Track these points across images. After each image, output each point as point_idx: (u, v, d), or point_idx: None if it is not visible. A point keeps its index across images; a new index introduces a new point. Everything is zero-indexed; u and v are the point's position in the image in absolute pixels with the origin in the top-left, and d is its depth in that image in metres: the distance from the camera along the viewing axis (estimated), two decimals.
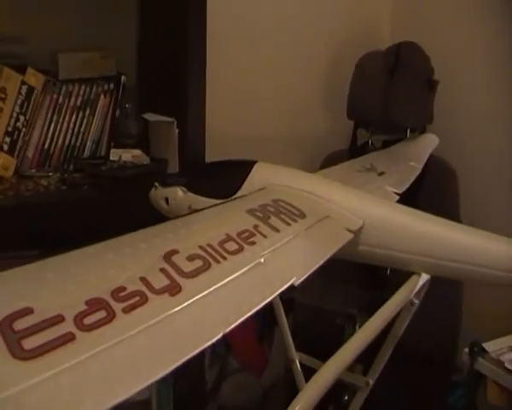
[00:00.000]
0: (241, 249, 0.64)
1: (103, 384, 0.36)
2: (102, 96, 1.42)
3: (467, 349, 1.22)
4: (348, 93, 1.88)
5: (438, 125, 1.85)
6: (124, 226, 0.99)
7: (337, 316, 1.43)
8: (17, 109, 1.31)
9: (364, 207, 0.94)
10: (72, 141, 1.40)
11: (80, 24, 1.41)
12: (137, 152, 1.39)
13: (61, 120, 1.38)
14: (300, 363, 1.23)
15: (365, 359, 1.17)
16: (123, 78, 1.44)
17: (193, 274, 0.54)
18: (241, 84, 1.83)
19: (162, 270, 0.53)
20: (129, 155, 1.40)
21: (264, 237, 0.71)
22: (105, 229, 0.87)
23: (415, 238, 0.90)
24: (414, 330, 1.31)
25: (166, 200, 1.07)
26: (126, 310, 0.44)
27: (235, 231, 0.69)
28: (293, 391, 1.31)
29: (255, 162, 1.03)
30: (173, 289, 0.50)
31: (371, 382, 1.13)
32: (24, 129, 1.32)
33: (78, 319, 0.41)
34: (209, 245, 0.62)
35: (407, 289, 0.90)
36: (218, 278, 0.55)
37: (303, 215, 0.85)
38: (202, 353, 1.50)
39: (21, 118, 1.31)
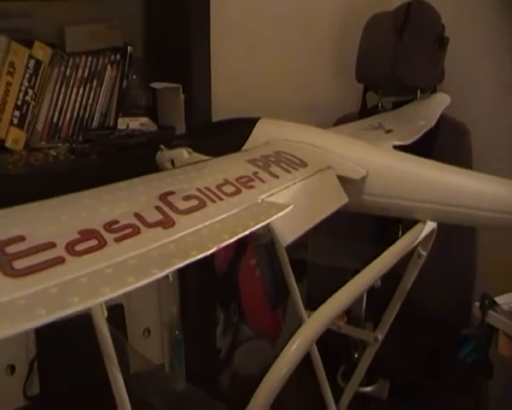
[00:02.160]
0: (238, 192, 0.65)
1: (89, 287, 0.37)
2: (109, 68, 1.43)
3: (478, 303, 1.22)
4: (357, 55, 1.86)
5: (449, 84, 1.82)
6: None
7: (345, 272, 1.43)
8: (25, 83, 1.32)
9: (368, 157, 0.94)
10: (81, 113, 1.42)
11: None
12: (145, 120, 1.41)
13: (69, 92, 1.40)
14: None
15: (375, 316, 1.18)
16: (129, 48, 1.45)
17: (187, 211, 0.55)
18: (246, 49, 1.82)
19: (157, 207, 0.54)
20: (136, 123, 1.41)
21: (263, 182, 0.72)
22: None
23: (419, 185, 0.90)
24: (427, 288, 1.32)
25: (172, 162, 1.08)
26: (118, 240, 0.46)
27: (234, 176, 0.70)
28: (306, 359, 1.33)
29: (258, 119, 1.04)
30: (166, 223, 0.51)
31: (380, 337, 1.13)
32: (33, 102, 1.34)
33: (70, 246, 0.42)
34: (206, 188, 0.63)
35: (411, 235, 0.90)
36: (213, 215, 0.56)
37: (304, 164, 0.85)
38: (215, 321, 1.52)
39: (30, 91, 1.33)
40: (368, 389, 1.48)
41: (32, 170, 1.20)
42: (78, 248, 0.42)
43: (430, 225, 0.92)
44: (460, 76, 1.86)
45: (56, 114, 1.39)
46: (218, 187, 0.64)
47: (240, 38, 1.78)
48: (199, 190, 0.62)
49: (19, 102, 1.32)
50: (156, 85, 1.44)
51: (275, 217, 0.60)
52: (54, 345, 1.29)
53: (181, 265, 0.45)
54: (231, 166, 0.76)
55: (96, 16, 1.43)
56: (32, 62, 1.32)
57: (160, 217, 0.52)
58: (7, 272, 0.37)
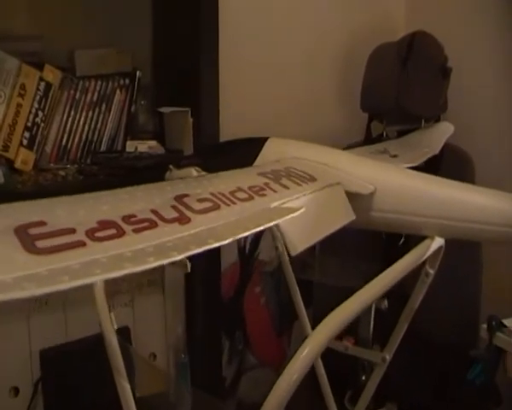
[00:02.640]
0: (251, 198, 0.66)
1: (111, 264, 0.37)
2: (118, 92, 1.45)
3: (485, 325, 1.21)
4: (361, 85, 1.88)
5: (453, 113, 1.84)
6: None
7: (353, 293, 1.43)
8: (36, 105, 1.34)
9: (376, 174, 0.95)
10: (90, 136, 1.43)
11: (96, 21, 1.45)
12: (153, 143, 1.42)
13: (78, 115, 1.41)
14: None
15: (382, 338, 1.18)
16: (138, 73, 1.47)
17: (202, 211, 0.56)
18: (253, 79, 1.84)
19: (173, 206, 0.55)
20: (145, 146, 1.43)
21: (275, 192, 0.72)
22: None
23: (427, 201, 0.91)
24: (433, 310, 1.31)
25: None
26: (136, 231, 0.46)
27: (246, 185, 0.70)
28: (312, 386, 1.32)
29: (267, 138, 1.05)
30: (182, 220, 0.52)
31: (388, 357, 1.13)
32: (42, 124, 1.36)
33: (90, 232, 0.43)
34: (220, 193, 0.64)
35: (419, 251, 0.90)
36: (227, 216, 0.57)
37: (313, 179, 0.86)
38: (220, 348, 1.51)
39: (40, 113, 1.35)
40: None
41: (40, 188, 1.21)
42: (98, 234, 0.43)
43: (438, 242, 0.92)
44: (463, 106, 1.88)
45: (65, 136, 1.40)
46: (231, 193, 0.65)
47: (247, 65, 1.81)
48: (212, 194, 0.62)
49: (29, 124, 1.34)
50: (164, 110, 1.46)
51: (288, 217, 0.60)
52: (58, 367, 1.28)
53: (198, 250, 0.46)
54: (243, 177, 0.77)
55: (106, 41, 1.45)
56: (42, 85, 1.34)
57: (176, 214, 0.53)
58: (30, 249, 0.37)
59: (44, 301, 1.32)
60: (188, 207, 0.55)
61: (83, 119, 1.42)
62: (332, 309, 0.77)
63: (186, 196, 0.59)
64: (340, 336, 1.26)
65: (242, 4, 1.76)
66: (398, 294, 1.14)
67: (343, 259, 1.46)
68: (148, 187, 0.62)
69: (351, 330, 1.42)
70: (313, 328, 1.21)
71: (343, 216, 0.87)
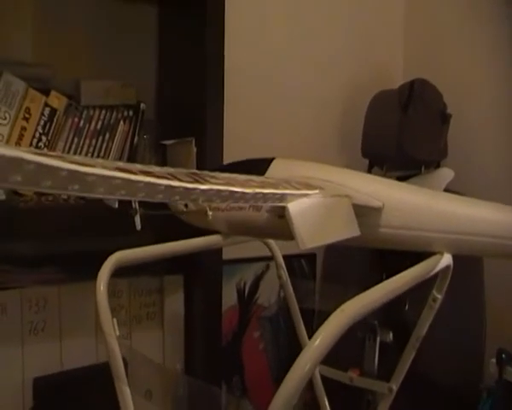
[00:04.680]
0: (263, 186, 0.65)
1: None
2: (122, 123, 1.46)
3: (494, 359, 1.18)
4: (362, 131, 1.91)
5: (453, 159, 1.86)
6: (144, 238, 1.00)
7: (357, 327, 1.41)
8: (40, 130, 1.34)
9: (384, 190, 0.94)
10: None
11: (103, 53, 1.47)
12: (166, 167, 1.41)
13: (81, 143, 1.42)
14: (321, 375, 1.20)
15: (387, 372, 1.15)
16: (142, 105, 1.48)
17: (216, 183, 0.55)
18: (256, 129, 1.86)
19: (187, 174, 0.54)
20: None
21: (285, 188, 0.72)
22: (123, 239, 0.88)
23: (436, 216, 0.89)
24: (436, 346, 1.28)
25: (186, 204, 1.08)
26: (149, 176, 0.45)
27: (257, 180, 0.70)
28: None
29: (273, 158, 1.05)
30: (198, 181, 0.50)
31: (395, 388, 1.09)
32: (46, 149, 1.36)
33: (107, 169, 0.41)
34: (232, 178, 0.63)
35: (427, 265, 0.88)
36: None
37: (322, 189, 0.85)
38: (218, 396, 1.46)
39: (43, 138, 1.35)
40: None
41: (42, 207, 1.20)
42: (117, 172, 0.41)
43: (446, 259, 0.91)
44: (463, 152, 1.90)
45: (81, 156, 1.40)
46: (243, 182, 0.64)
47: (251, 101, 1.84)
48: (224, 178, 0.61)
49: (32, 147, 1.34)
50: (167, 142, 1.46)
51: (299, 199, 0.59)
52: (51, 396, 1.24)
53: (204, 187, 0.44)
54: (251, 177, 0.76)
55: (112, 74, 1.47)
56: (47, 110, 1.35)
57: (191, 179, 0.51)
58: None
59: (41, 327, 1.29)
60: (202, 178, 0.54)
61: (86, 146, 1.42)
62: None
63: (199, 174, 0.58)
64: (344, 369, 1.22)
65: (248, 43, 1.80)
66: (403, 326, 1.12)
67: (344, 286, 1.43)
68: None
69: (355, 362, 1.38)
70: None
71: (349, 229, 0.85)
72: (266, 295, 1.94)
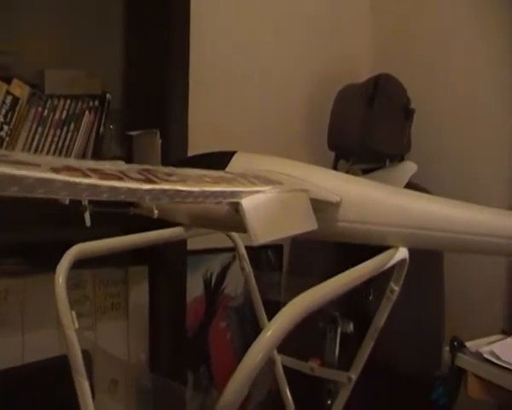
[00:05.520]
0: (217, 183, 0.66)
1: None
2: (87, 113, 1.46)
3: (447, 348, 1.22)
4: (328, 124, 1.92)
5: (416, 153, 1.89)
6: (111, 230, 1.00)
7: (319, 318, 1.44)
8: (1, 119, 1.33)
9: (342, 185, 0.96)
10: (56, 155, 1.42)
11: (68, 43, 1.46)
12: (121, 163, 1.41)
13: (45, 132, 1.40)
14: (283, 365, 1.22)
15: (348, 362, 1.17)
16: (108, 95, 1.48)
17: (169, 181, 0.56)
18: (221, 122, 1.87)
19: (139, 172, 0.54)
20: None
21: (241, 183, 0.73)
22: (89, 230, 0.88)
23: (391, 211, 0.92)
24: (395, 333, 1.31)
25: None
26: (102, 178, 0.46)
27: (213, 175, 0.71)
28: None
29: (235, 152, 1.06)
30: (148, 181, 0.51)
31: (354, 377, 1.12)
32: (8, 138, 1.34)
33: (53, 169, 0.42)
34: (186, 174, 0.64)
35: (382, 258, 0.90)
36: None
37: (280, 183, 0.87)
38: (184, 383, 1.47)
39: (5, 127, 1.34)
40: None
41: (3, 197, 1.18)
42: (63, 172, 0.42)
43: (402, 252, 0.93)
44: (426, 146, 1.94)
45: (32, 152, 1.39)
46: (198, 178, 0.65)
47: (217, 94, 1.84)
48: (178, 174, 0.62)
49: None
50: (133, 132, 1.46)
51: (252, 195, 0.61)
52: (13, 389, 1.23)
53: (157, 186, 0.45)
54: (209, 171, 0.77)
55: (77, 63, 1.46)
56: (9, 98, 1.33)
57: (142, 177, 0.52)
58: None
59: (3, 320, 1.28)
60: (154, 176, 0.55)
61: (50, 137, 1.41)
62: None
63: (154, 170, 0.59)
64: (306, 359, 1.25)
65: (213, 35, 1.80)
66: (363, 317, 1.15)
67: (310, 278, 1.45)
68: (115, 162, 0.61)
69: (317, 352, 1.41)
70: (279, 351, 1.21)
71: (306, 223, 0.87)
72: (233, 286, 1.95)
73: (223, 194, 0.58)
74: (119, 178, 0.48)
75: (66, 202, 0.48)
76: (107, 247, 0.94)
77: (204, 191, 0.54)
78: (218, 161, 1.04)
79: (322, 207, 0.92)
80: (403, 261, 0.96)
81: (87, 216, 0.63)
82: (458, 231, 0.87)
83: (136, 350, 1.49)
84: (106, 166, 0.54)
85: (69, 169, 0.44)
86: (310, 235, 0.88)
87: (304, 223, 0.87)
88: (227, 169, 1.02)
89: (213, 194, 0.56)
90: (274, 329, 0.62)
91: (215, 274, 1.92)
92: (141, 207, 0.90)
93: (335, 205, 0.93)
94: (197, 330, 1.87)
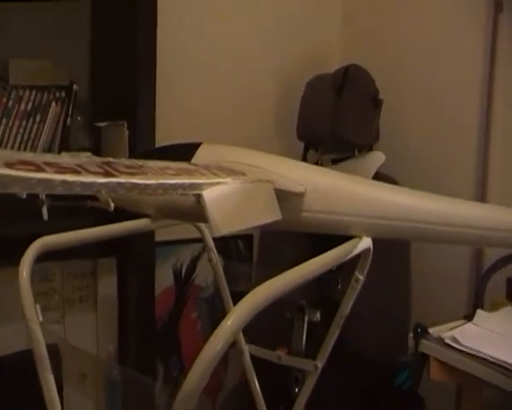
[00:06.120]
0: (178, 175, 0.66)
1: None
2: (54, 104, 1.44)
3: (411, 334, 1.25)
4: (298, 114, 1.93)
5: (384, 144, 1.91)
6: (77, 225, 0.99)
7: (286, 307, 1.45)
8: None
9: (306, 175, 0.97)
10: (22, 147, 1.41)
11: (33, 32, 1.44)
12: (88, 155, 1.40)
13: (10, 124, 1.39)
14: (250, 354, 1.23)
15: (315, 350, 1.19)
16: (75, 86, 1.46)
17: (128, 173, 0.56)
18: (189, 113, 1.86)
19: (99, 165, 0.54)
20: None
21: (203, 175, 0.73)
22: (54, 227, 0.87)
23: (356, 201, 0.93)
24: (362, 319, 1.34)
25: None
26: (58, 172, 0.46)
27: (176, 167, 0.71)
28: (245, 404, 1.31)
29: (201, 143, 1.06)
30: (107, 174, 0.52)
31: (320, 365, 1.13)
32: None
33: (8, 164, 0.42)
34: (148, 167, 0.64)
35: (346, 247, 0.91)
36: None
37: (244, 174, 0.87)
38: (154, 374, 1.46)
39: None
40: None
41: None
42: (17, 166, 0.42)
43: (365, 242, 0.95)
44: (394, 137, 1.96)
45: None
46: (160, 169, 0.65)
47: (185, 85, 1.83)
48: (140, 166, 0.63)
49: None
50: (100, 124, 1.45)
51: (213, 187, 0.61)
52: None
53: (118, 180, 0.45)
54: (173, 163, 0.77)
55: (43, 53, 1.44)
56: None
57: (101, 170, 0.52)
58: None
59: None
60: (114, 169, 0.55)
61: (15, 128, 1.39)
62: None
63: (112, 162, 0.59)
64: (273, 347, 1.26)
65: (180, 24, 1.79)
66: (331, 305, 1.16)
67: (280, 269, 1.46)
68: (76, 153, 0.61)
69: (284, 341, 1.42)
70: (248, 341, 1.22)
71: (269, 213, 0.88)
72: (203, 276, 1.95)
73: (182, 186, 0.58)
74: (76, 172, 0.48)
75: (24, 196, 0.48)
76: (73, 239, 0.93)
77: (162, 184, 0.54)
78: (183, 152, 1.04)
79: (286, 198, 0.93)
80: (367, 251, 0.97)
81: (44, 210, 0.63)
82: (421, 221, 0.89)
83: (105, 343, 1.48)
84: (65, 159, 0.54)
85: (24, 163, 0.44)
86: (274, 225, 0.89)
87: (267, 213, 0.88)
88: (192, 161, 1.02)
89: (172, 186, 0.57)
90: (234, 318, 0.63)
91: (185, 265, 1.92)
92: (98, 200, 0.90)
93: (300, 195, 0.94)
94: (167, 320, 1.87)
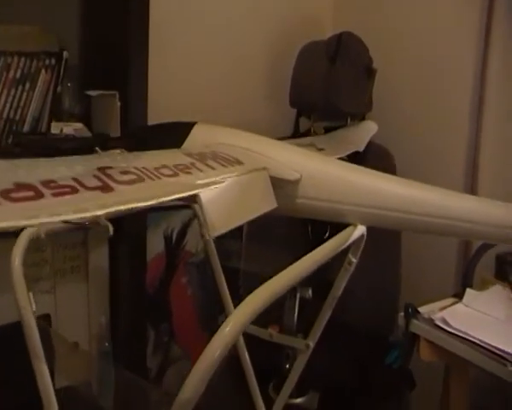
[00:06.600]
0: (176, 175, 0.65)
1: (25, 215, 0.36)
2: (43, 71, 1.41)
3: (402, 313, 1.27)
4: (291, 81, 1.91)
5: (377, 113, 1.90)
6: None
7: None
8: None
9: (302, 161, 0.97)
10: (11, 115, 1.38)
11: None
12: (79, 125, 1.38)
13: None
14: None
15: (306, 327, 1.20)
16: (65, 53, 1.42)
17: (126, 183, 0.55)
18: (183, 68, 1.83)
19: (95, 176, 0.53)
20: (70, 129, 1.39)
21: (200, 170, 0.72)
22: None
23: (351, 189, 0.93)
24: (353, 299, 1.35)
25: None
26: (55, 195, 0.45)
27: (172, 163, 0.70)
28: (237, 376, 1.33)
29: (195, 123, 1.05)
30: (105, 189, 0.51)
31: (311, 344, 1.15)
32: None
33: (5, 193, 0.41)
34: (144, 168, 0.63)
35: (342, 237, 0.92)
36: (152, 188, 0.56)
37: (240, 163, 0.86)
38: (145, 339, 1.48)
39: None
40: (298, 400, 1.49)
41: None
42: (14, 195, 0.41)
43: (360, 230, 0.95)
44: (387, 106, 1.95)
45: None
46: (156, 169, 0.64)
47: (177, 52, 1.80)
48: (137, 168, 0.61)
49: None
50: (92, 93, 1.42)
51: (210, 188, 0.61)
52: None
53: (118, 208, 0.45)
54: (168, 155, 0.77)
55: (31, 19, 1.40)
56: None
57: (98, 183, 0.52)
58: None
59: None
60: (111, 178, 0.54)
61: (4, 96, 1.36)
62: None
63: (109, 168, 0.58)
64: (265, 325, 1.27)
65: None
66: (322, 283, 1.17)
67: (270, 247, 1.47)
68: (70, 158, 0.60)
69: (276, 318, 1.44)
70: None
71: (265, 203, 0.88)
72: (194, 242, 1.96)
73: (181, 192, 0.57)
74: (75, 191, 0.47)
75: None
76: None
77: (162, 202, 0.53)
78: (177, 133, 1.03)
79: (281, 184, 0.92)
80: (361, 237, 0.98)
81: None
82: (416, 213, 0.89)
83: (97, 313, 1.49)
84: (60, 168, 0.52)
85: (20, 187, 0.43)
86: (270, 212, 0.89)
87: (263, 203, 0.87)
88: (187, 142, 1.01)
89: (171, 200, 0.56)
90: (232, 325, 0.63)
91: (176, 231, 1.92)
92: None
93: (295, 182, 0.94)
94: (158, 286, 1.88)
